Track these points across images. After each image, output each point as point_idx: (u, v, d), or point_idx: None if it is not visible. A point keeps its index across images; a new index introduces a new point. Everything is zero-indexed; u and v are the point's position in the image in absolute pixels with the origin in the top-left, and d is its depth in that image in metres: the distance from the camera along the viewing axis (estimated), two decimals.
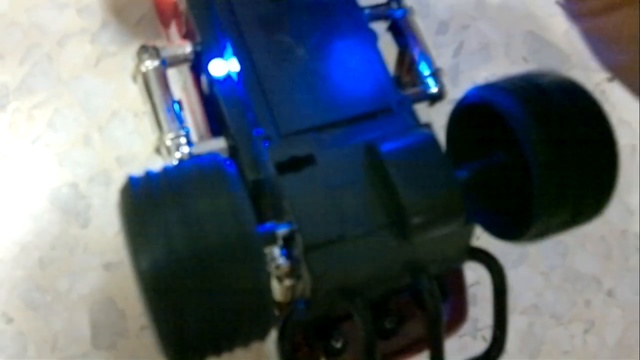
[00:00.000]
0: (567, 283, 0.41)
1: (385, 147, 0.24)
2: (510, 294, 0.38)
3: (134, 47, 0.36)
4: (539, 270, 0.40)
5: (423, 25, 0.41)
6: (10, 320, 0.33)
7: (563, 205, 0.25)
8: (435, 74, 0.30)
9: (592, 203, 0.26)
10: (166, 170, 0.22)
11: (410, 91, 0.30)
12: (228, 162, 0.23)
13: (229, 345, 0.22)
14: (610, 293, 0.41)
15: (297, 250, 0.23)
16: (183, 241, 0.20)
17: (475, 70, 0.43)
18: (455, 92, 0.40)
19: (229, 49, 0.27)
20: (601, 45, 0.30)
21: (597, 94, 0.42)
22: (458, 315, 0.30)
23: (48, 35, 0.39)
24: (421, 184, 0.23)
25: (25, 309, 0.34)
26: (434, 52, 0.40)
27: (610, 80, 0.45)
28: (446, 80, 0.40)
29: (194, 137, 0.31)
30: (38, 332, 0.33)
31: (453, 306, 0.31)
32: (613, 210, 0.41)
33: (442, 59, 0.41)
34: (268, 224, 0.23)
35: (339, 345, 0.27)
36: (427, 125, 0.26)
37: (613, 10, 0.27)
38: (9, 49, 0.39)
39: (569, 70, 0.45)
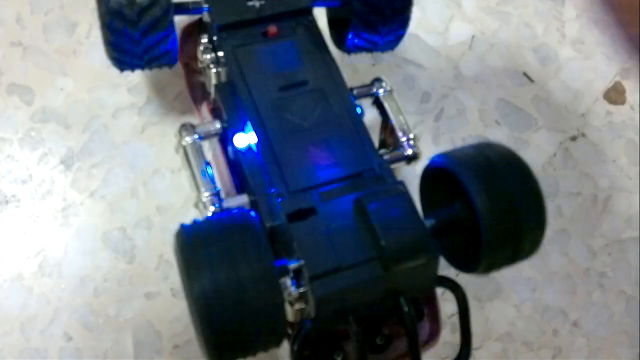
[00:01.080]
0: (537, 314, 0.43)
1: (369, 200, 0.27)
2: (486, 324, 0.42)
3: (172, 118, 0.43)
4: (511, 302, 0.42)
5: (409, 95, 0.47)
6: (70, 339, 0.37)
7: (503, 246, 0.29)
8: (410, 140, 0.34)
9: (527, 245, 0.29)
10: (209, 220, 0.27)
11: (391, 154, 0.34)
12: (253, 213, 0.27)
13: (254, 350, 0.26)
14: (575, 324, 0.43)
15: (304, 280, 0.26)
16: (222, 273, 0.24)
17: (454, 132, 0.46)
18: (437, 150, 0.44)
19: (249, 126, 0.31)
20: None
21: (561, 151, 0.47)
22: (433, 333, 0.34)
23: (105, 109, 0.43)
24: (395, 228, 0.27)
25: (82, 330, 0.37)
26: (418, 118, 0.46)
27: (573, 139, 0.48)
28: (428, 141, 0.46)
29: (222, 193, 0.33)
30: (92, 349, 0.37)
31: (430, 326, 0.34)
32: (578, 252, 0.45)
33: (425, 123, 0.46)
34: (282, 260, 0.27)
35: (339, 359, 0.30)
36: (401, 183, 0.30)
37: None
38: (75, 120, 0.42)
39: (536, 131, 0.47)
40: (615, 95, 0.49)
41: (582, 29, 0.51)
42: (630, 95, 0.49)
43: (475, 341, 0.41)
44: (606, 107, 0.49)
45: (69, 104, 0.43)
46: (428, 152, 0.33)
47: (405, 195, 0.29)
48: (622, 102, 0.49)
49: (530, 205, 0.29)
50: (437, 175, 0.31)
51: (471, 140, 0.46)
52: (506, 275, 0.43)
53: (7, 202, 0.40)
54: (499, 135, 0.46)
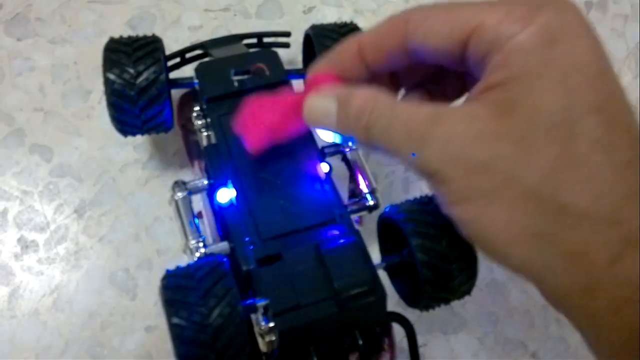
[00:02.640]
0: (499, 346, 0.45)
1: (326, 247, 0.30)
2: (451, 354, 0.46)
3: (171, 171, 0.45)
4: (475, 335, 0.45)
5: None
6: None
7: (438, 289, 0.32)
8: (372, 192, 0.36)
9: (459, 289, 0.33)
10: (188, 266, 0.30)
11: (356, 204, 0.36)
12: (225, 260, 0.30)
13: None
14: (534, 355, 0.45)
15: (270, 316, 0.29)
16: (198, 312, 0.27)
17: (423, 181, 0.46)
18: (407, 197, 0.46)
19: (230, 183, 0.34)
20: None
21: None
22: None
23: (113, 164, 0.46)
24: (347, 272, 0.30)
25: (89, 359, 0.40)
26: (390, 169, 0.48)
27: None
28: (399, 189, 0.48)
29: (209, 239, 0.37)
30: None
31: (389, 356, 0.37)
32: (536, 290, 0.49)
33: (396, 173, 0.48)
34: (251, 299, 0.29)
35: None
36: (357, 232, 0.33)
37: None
38: (87, 175, 0.45)
39: None
40: None
41: None
42: None
43: None
44: None
45: (82, 161, 0.46)
46: (399, 199, 0.35)
47: (356, 242, 0.31)
48: None
49: (462, 254, 0.32)
50: (389, 223, 0.34)
51: None
52: (470, 310, 0.46)
53: (27, 246, 0.43)
54: None
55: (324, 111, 0.28)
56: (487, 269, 0.48)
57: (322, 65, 0.30)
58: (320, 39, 0.41)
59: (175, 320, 0.27)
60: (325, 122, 0.28)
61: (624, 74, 0.55)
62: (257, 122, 0.32)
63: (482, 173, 0.23)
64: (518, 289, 0.47)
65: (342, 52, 0.29)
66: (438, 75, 0.31)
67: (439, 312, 0.45)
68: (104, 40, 0.39)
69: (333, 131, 0.29)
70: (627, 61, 0.56)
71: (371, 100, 0.26)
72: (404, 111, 0.25)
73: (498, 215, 0.23)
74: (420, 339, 0.43)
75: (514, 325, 0.46)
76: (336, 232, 0.32)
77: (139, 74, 0.36)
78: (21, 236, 0.44)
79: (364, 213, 0.37)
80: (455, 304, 0.43)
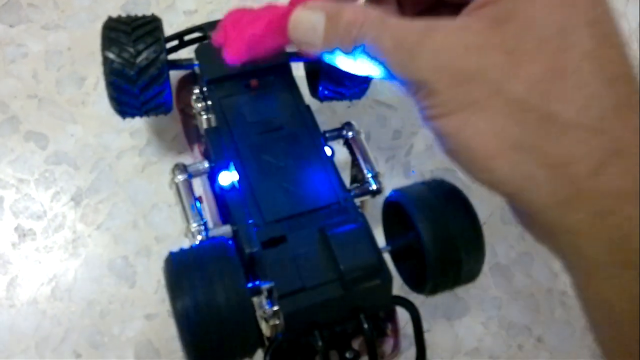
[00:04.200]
0: (503, 330, 0.45)
1: (330, 230, 0.30)
2: (455, 340, 0.45)
3: (169, 158, 0.45)
4: (479, 320, 0.45)
5: (382, 132, 0.48)
6: (79, 356, 0.39)
7: (445, 272, 0.31)
8: (374, 176, 0.36)
9: (466, 271, 0.32)
10: (192, 248, 0.30)
11: (359, 189, 0.36)
12: (230, 243, 0.30)
13: (230, 359, 0.28)
14: (539, 339, 0.45)
15: (275, 299, 0.29)
16: (202, 292, 0.27)
17: (423, 165, 0.48)
18: (408, 182, 0.46)
19: (232, 166, 0.34)
20: None
21: None
22: (395, 347, 0.36)
23: (109, 151, 0.45)
24: (352, 254, 0.29)
25: (89, 348, 0.40)
26: (390, 153, 0.48)
27: None
28: (400, 174, 0.48)
29: (210, 223, 0.36)
30: None
31: (393, 342, 0.36)
32: (540, 272, 0.47)
33: (397, 158, 0.48)
34: (256, 282, 0.29)
35: None
36: (362, 215, 0.32)
37: None
38: (83, 162, 0.44)
39: None
40: None
41: None
42: None
43: (445, 356, 0.45)
44: None
45: (78, 148, 0.45)
46: (400, 184, 0.34)
47: (362, 225, 0.31)
48: None
49: (469, 237, 0.31)
50: (395, 207, 0.34)
51: (439, 173, 0.48)
52: (474, 294, 0.45)
53: (24, 235, 0.43)
54: None
55: (311, 25, 0.27)
56: (491, 253, 0.47)
57: None
58: None
59: (180, 305, 0.27)
60: (310, 37, 0.27)
61: None
62: (238, 32, 0.30)
63: (471, 83, 0.23)
64: (522, 273, 0.47)
65: None
66: (438, 5, 0.30)
67: (443, 298, 0.45)
68: (98, 26, 0.38)
69: (314, 50, 0.28)
70: (628, 41, 0.55)
71: (361, 14, 0.25)
72: (396, 24, 0.25)
73: (483, 125, 0.23)
74: (424, 325, 0.43)
75: (519, 309, 0.46)
76: (341, 215, 0.32)
77: (139, 52, 0.35)
78: (18, 225, 0.43)
79: (366, 198, 0.36)
80: (459, 289, 0.42)
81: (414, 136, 0.50)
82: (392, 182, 0.47)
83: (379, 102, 0.50)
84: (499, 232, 0.48)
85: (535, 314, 0.46)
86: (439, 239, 0.31)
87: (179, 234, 0.43)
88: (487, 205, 0.48)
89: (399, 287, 0.36)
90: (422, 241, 0.31)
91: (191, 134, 0.44)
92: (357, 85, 0.40)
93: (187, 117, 0.44)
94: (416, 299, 0.35)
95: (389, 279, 0.31)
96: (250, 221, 0.32)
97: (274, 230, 0.31)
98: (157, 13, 0.47)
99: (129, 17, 0.38)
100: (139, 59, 0.35)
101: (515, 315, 0.46)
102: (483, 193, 0.48)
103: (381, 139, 0.49)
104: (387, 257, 0.34)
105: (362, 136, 0.38)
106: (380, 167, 0.46)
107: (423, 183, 0.34)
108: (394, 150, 0.49)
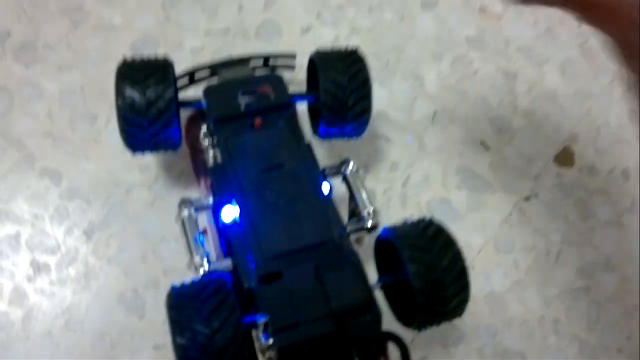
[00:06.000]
0: (498, 357, 0.46)
1: (324, 267, 0.32)
2: None
3: (177, 192, 0.47)
4: (474, 347, 0.46)
5: (380, 165, 0.51)
6: None
7: (432, 309, 0.33)
8: (371, 213, 0.37)
9: (452, 308, 0.33)
10: (193, 283, 0.31)
11: (355, 225, 0.37)
12: (228, 277, 0.32)
13: None
14: None
15: (270, 333, 0.30)
16: (200, 326, 0.28)
17: (419, 196, 0.50)
18: (405, 213, 0.48)
19: (234, 202, 0.35)
20: None
21: (516, 211, 0.51)
22: None
23: (120, 186, 0.47)
24: (344, 291, 0.31)
25: None
26: (388, 184, 0.49)
27: (527, 199, 0.51)
28: (397, 205, 0.49)
29: (213, 255, 0.37)
30: None
31: None
32: (533, 300, 0.48)
33: (394, 189, 0.50)
34: (252, 316, 0.30)
35: None
36: (355, 253, 0.34)
37: None
38: (95, 197, 0.46)
39: (493, 193, 0.51)
40: (564, 158, 0.54)
41: (532, 101, 0.55)
42: (579, 158, 0.54)
43: None
44: (556, 170, 0.53)
45: (90, 184, 0.47)
46: (397, 215, 0.35)
47: (355, 263, 0.33)
48: (571, 165, 0.53)
49: (455, 276, 0.33)
50: (386, 244, 0.35)
51: (435, 204, 0.50)
52: (469, 322, 0.47)
53: (39, 269, 0.45)
54: (460, 198, 0.51)
55: None
56: (485, 281, 0.49)
57: None
58: (324, 67, 0.42)
59: (180, 340, 0.28)
60: None
61: (616, 86, 0.57)
62: None
63: None
64: (516, 301, 0.48)
65: None
66: None
67: (442, 326, 0.46)
68: (110, 65, 0.40)
69: None
70: (621, 72, 0.57)
71: None
72: None
73: None
74: (420, 352, 0.45)
75: (513, 336, 0.47)
76: (335, 252, 0.34)
77: (149, 87, 0.38)
78: (33, 259, 0.45)
79: (362, 233, 0.38)
80: None
81: (410, 167, 0.52)
82: (390, 212, 0.49)
83: (377, 135, 0.52)
84: (493, 261, 0.50)
85: (528, 341, 0.47)
86: (426, 277, 0.33)
87: (186, 266, 0.44)
88: (481, 235, 0.50)
89: (392, 319, 0.37)
90: (409, 279, 0.33)
91: (199, 168, 0.46)
92: (356, 125, 0.42)
93: (196, 152, 0.46)
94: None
95: (378, 315, 0.32)
96: (249, 256, 0.33)
97: (271, 266, 0.33)
98: (165, 51, 0.50)
99: (142, 58, 0.40)
100: (149, 93, 0.38)
101: (509, 342, 0.47)
102: (477, 223, 0.50)
103: (379, 171, 0.51)
104: (379, 291, 0.36)
105: (360, 172, 0.40)
106: (377, 198, 0.49)
107: (413, 223, 0.36)
108: (392, 182, 0.51)
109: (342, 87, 0.40)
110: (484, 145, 0.54)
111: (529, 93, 0.56)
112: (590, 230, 0.51)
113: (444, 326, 0.46)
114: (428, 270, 0.33)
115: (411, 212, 0.49)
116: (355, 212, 0.40)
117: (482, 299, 0.49)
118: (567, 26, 0.58)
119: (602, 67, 0.57)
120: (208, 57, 0.52)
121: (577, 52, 0.58)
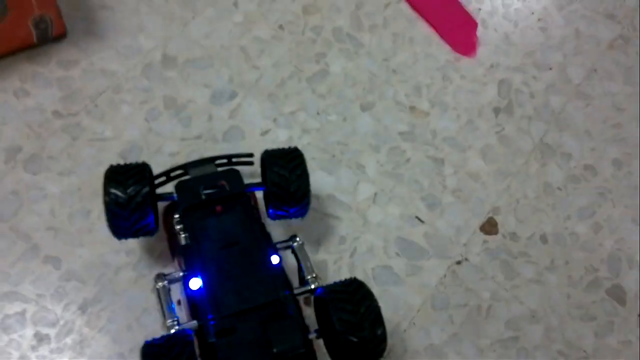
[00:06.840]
0: None
1: (268, 322, 0.39)
2: None
3: (157, 269, 0.53)
4: None
5: (330, 239, 0.57)
6: None
7: (354, 349, 0.39)
8: (312, 279, 0.44)
9: (373, 348, 0.39)
10: (162, 337, 0.38)
11: (301, 289, 0.44)
12: (191, 335, 0.39)
13: None
14: None
15: None
16: None
17: (365, 264, 0.56)
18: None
19: (199, 275, 0.42)
20: None
21: (450, 273, 0.59)
22: None
23: (110, 268, 0.53)
24: (284, 339, 0.38)
25: None
26: (337, 256, 0.56)
27: (458, 263, 0.57)
28: (346, 273, 0.55)
29: (184, 318, 0.43)
30: None
31: None
32: (469, 351, 0.53)
33: (343, 259, 0.56)
34: None
35: None
36: (296, 309, 0.41)
37: None
38: (89, 277, 0.53)
39: (428, 259, 0.57)
40: (489, 227, 0.61)
41: (458, 181, 0.63)
42: (502, 227, 0.61)
43: None
44: (482, 237, 0.60)
45: (85, 267, 0.54)
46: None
47: (295, 317, 0.40)
48: (496, 232, 0.61)
49: (372, 319, 0.39)
50: (321, 300, 0.42)
51: (378, 270, 0.57)
52: None
53: (41, 340, 0.51)
54: (400, 265, 0.57)
55: None
56: (425, 336, 0.55)
57: None
58: (270, 163, 0.49)
59: None
60: None
61: (530, 165, 0.66)
62: None
63: None
64: (453, 352, 0.54)
65: None
66: None
67: None
68: (101, 169, 0.49)
69: None
70: (533, 153, 0.67)
71: None
72: None
73: None
74: None
75: None
76: (279, 309, 0.41)
77: (129, 186, 0.46)
78: (37, 331, 0.52)
79: (308, 295, 0.46)
80: None
81: (357, 240, 0.58)
82: (341, 278, 0.55)
83: (327, 214, 0.59)
84: (431, 318, 0.56)
85: None
86: (347, 322, 0.40)
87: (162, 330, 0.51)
88: (420, 296, 0.57)
89: None
90: (334, 324, 0.40)
91: (174, 249, 0.51)
92: (298, 209, 0.50)
93: (172, 235, 0.52)
94: None
95: (314, 357, 0.40)
96: (210, 315, 0.40)
97: (227, 323, 0.40)
98: (147, 156, 0.60)
99: (125, 164, 0.49)
100: (129, 190, 0.46)
101: None
102: (416, 286, 0.58)
103: (330, 245, 0.58)
104: (318, 339, 0.43)
105: (304, 245, 0.48)
106: (329, 267, 0.57)
107: (340, 281, 0.44)
108: (341, 253, 0.57)
109: (284, 178, 0.48)
110: (419, 219, 0.60)
111: (455, 174, 0.63)
112: (515, 287, 0.57)
113: None
114: (349, 316, 0.40)
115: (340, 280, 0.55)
116: (304, 280, 0.47)
117: (423, 351, 0.55)
118: (485, 118, 0.69)
119: (516, 150, 0.66)
120: (183, 158, 0.60)
121: (495, 139, 0.67)
